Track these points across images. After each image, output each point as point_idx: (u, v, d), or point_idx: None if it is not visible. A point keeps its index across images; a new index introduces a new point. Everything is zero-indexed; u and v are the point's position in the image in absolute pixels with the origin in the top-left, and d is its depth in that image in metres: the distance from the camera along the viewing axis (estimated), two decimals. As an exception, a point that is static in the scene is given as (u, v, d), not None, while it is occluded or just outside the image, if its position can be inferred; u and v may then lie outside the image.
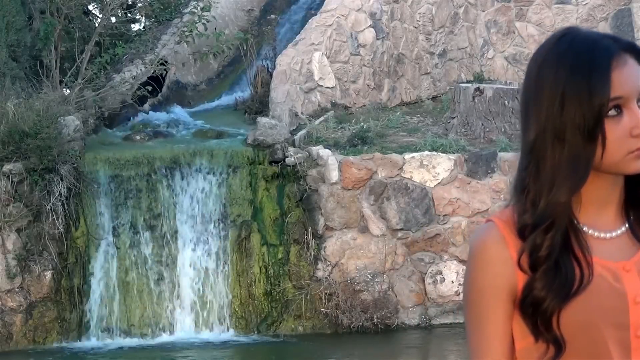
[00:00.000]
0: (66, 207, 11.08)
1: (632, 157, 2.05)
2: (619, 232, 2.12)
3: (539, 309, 2.05)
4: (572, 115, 2.04)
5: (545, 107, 2.06)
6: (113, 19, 14.17)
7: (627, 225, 2.13)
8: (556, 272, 2.06)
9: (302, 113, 12.67)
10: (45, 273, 11.02)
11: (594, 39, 2.10)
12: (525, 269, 2.08)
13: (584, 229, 2.11)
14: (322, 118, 12.53)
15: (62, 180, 11.02)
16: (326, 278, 11.22)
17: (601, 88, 2.04)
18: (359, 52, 13.63)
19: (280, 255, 11.39)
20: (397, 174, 11.43)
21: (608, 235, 2.12)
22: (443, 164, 11.49)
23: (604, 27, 14.69)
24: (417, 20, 14.45)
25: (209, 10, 13.17)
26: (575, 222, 2.10)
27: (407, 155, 11.49)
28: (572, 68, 2.06)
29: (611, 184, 2.11)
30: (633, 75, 2.07)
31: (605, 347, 2.06)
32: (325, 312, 11.16)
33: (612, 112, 2.04)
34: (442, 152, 11.56)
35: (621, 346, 2.06)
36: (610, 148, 2.04)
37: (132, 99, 12.74)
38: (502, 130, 12.01)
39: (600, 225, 2.12)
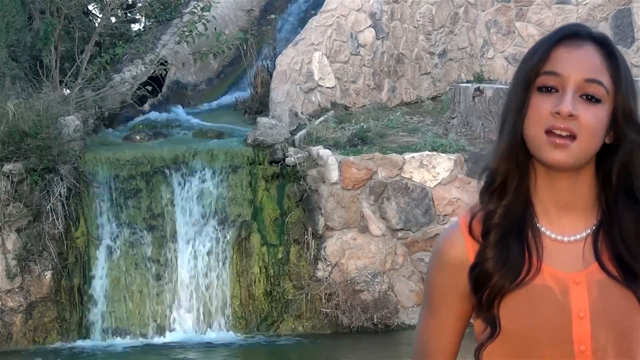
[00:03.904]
0: (66, 207, 11.09)
1: (551, 145, 2.03)
2: (578, 236, 2.11)
3: (487, 283, 2.07)
4: (513, 81, 2.11)
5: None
6: (113, 19, 14.17)
7: (589, 231, 2.11)
8: (505, 250, 2.07)
9: (302, 113, 12.67)
10: (45, 273, 11.02)
11: (565, 25, 2.14)
12: (475, 236, 2.11)
13: (542, 229, 2.11)
14: (322, 118, 12.53)
15: (62, 180, 11.02)
16: (326, 278, 11.22)
17: (537, 58, 2.09)
18: (359, 52, 13.63)
19: (280, 255, 11.39)
20: (397, 174, 11.43)
21: (566, 238, 2.11)
22: (443, 164, 11.49)
23: (604, 27, 14.68)
24: (417, 20, 14.45)
25: (209, 10, 13.17)
26: (535, 221, 2.11)
27: (407, 155, 11.50)
28: (534, 45, 2.14)
29: (569, 186, 2.09)
30: (579, 60, 2.07)
31: (541, 358, 2.06)
32: (325, 312, 11.16)
33: (544, 87, 2.06)
34: (442, 152, 11.56)
35: (564, 358, 2.06)
36: (531, 120, 2.06)
37: (132, 99, 12.74)
38: (502, 130, 11.99)
39: (561, 228, 2.11)
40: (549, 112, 2.04)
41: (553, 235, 2.11)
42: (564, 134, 2.03)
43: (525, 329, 2.06)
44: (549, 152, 2.04)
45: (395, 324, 11.17)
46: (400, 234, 11.40)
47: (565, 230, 2.11)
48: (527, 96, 2.07)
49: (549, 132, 2.04)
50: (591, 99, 2.05)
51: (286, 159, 11.49)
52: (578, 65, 2.06)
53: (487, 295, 2.08)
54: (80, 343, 11.03)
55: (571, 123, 2.03)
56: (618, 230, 2.08)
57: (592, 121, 2.04)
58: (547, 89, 2.06)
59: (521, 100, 2.08)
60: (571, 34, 2.09)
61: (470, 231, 2.12)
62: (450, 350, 2.20)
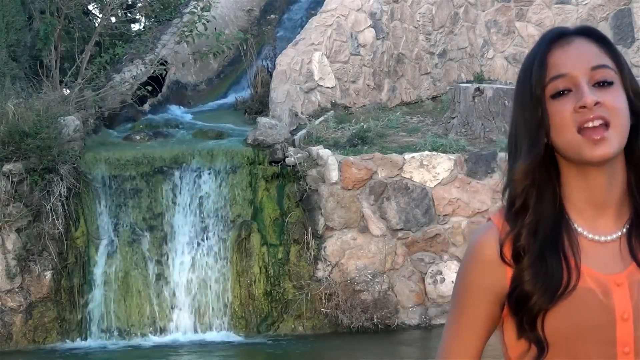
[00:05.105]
0: (66, 207, 11.08)
1: (589, 142, 2.02)
2: (614, 236, 2.09)
3: (526, 305, 2.06)
4: (519, 101, 2.09)
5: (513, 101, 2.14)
6: (113, 19, 14.17)
7: (624, 230, 2.10)
8: (542, 267, 2.05)
9: (302, 113, 12.67)
10: (45, 273, 11.02)
11: (547, 31, 2.13)
12: (507, 260, 2.09)
13: (579, 229, 2.09)
14: (322, 118, 12.53)
15: (62, 180, 11.02)
16: (326, 278, 11.22)
17: (537, 70, 2.07)
18: (359, 52, 13.63)
19: (280, 255, 11.39)
20: (397, 174, 11.43)
21: (603, 238, 2.09)
22: (443, 164, 11.49)
23: (604, 27, 14.68)
24: (417, 20, 14.45)
25: (209, 10, 13.17)
26: (571, 222, 2.09)
27: (407, 155, 11.49)
28: (524, 62, 2.12)
29: (605, 182, 2.08)
30: (577, 54, 2.07)
31: None
32: (325, 312, 11.16)
33: (556, 93, 2.05)
34: (442, 152, 11.56)
35: None
36: (558, 127, 2.04)
37: (132, 99, 12.74)
38: (502, 130, 11.99)
39: (597, 228, 2.10)
40: (571, 111, 2.03)
41: (590, 236, 2.09)
42: (597, 123, 2.01)
43: (570, 335, 2.04)
44: (591, 150, 2.02)
45: (395, 324, 11.17)
46: (400, 234, 11.40)
47: (601, 230, 2.10)
48: (543, 109, 2.06)
49: (581, 129, 2.02)
50: (604, 84, 2.04)
51: (286, 159, 11.48)
52: (578, 58, 2.06)
53: (528, 315, 2.06)
54: (80, 343, 11.03)
55: (600, 110, 2.02)
56: None
57: (617, 101, 2.04)
58: (560, 93, 2.05)
59: (536, 116, 2.06)
60: (558, 36, 2.10)
61: (502, 256, 2.09)
62: (474, 354, 2.17)
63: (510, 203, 2.10)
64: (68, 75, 12.78)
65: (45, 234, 11.00)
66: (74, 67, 12.86)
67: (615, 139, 2.02)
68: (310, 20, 13.41)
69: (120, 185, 11.42)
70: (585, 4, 14.82)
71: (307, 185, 11.38)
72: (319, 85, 13.11)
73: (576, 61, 2.06)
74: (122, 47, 13.12)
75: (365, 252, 11.32)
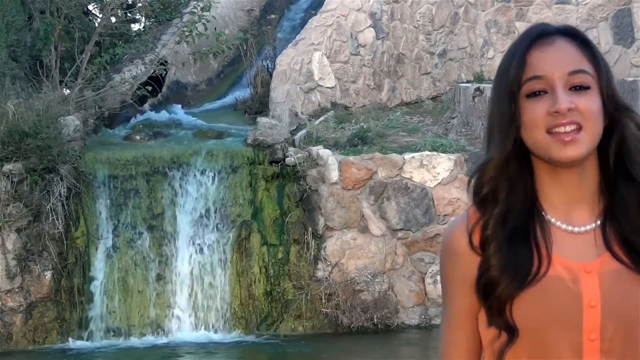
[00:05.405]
0: (66, 207, 11.08)
1: (558, 143, 2.05)
2: (588, 227, 2.12)
3: (494, 291, 2.08)
4: (495, 95, 2.12)
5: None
6: (113, 19, 14.17)
7: (599, 222, 2.12)
8: (510, 255, 2.08)
9: (302, 113, 12.67)
10: (45, 273, 11.01)
11: (530, 27, 2.14)
12: (475, 247, 2.12)
13: (552, 220, 2.12)
14: (322, 118, 12.53)
15: (62, 180, 11.02)
16: (326, 278, 11.22)
17: (515, 68, 2.09)
18: (359, 52, 13.63)
19: (280, 255, 11.39)
20: (397, 174, 11.43)
21: (577, 229, 2.12)
22: (443, 164, 11.49)
23: (604, 27, 14.69)
24: (417, 20, 14.45)
25: (209, 10, 13.17)
26: (544, 213, 2.12)
27: (407, 155, 11.49)
28: (505, 56, 2.14)
29: (576, 181, 2.11)
30: (557, 57, 2.08)
31: (555, 348, 2.07)
32: (325, 312, 11.16)
33: (531, 93, 2.07)
34: (442, 152, 11.56)
35: (573, 348, 2.07)
36: (529, 126, 2.06)
37: (132, 99, 12.74)
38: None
39: (571, 220, 2.12)
40: (544, 114, 2.05)
41: (564, 226, 2.12)
42: (569, 128, 2.04)
43: (539, 321, 2.06)
44: (560, 150, 2.05)
45: (395, 324, 11.17)
46: (400, 234, 11.40)
47: (574, 221, 2.12)
48: (516, 106, 2.08)
49: (550, 132, 2.05)
50: (581, 88, 2.06)
51: (286, 159, 11.48)
52: (557, 61, 2.07)
53: (497, 302, 2.08)
54: (80, 343, 11.03)
55: (572, 115, 2.04)
56: (623, 214, 2.09)
57: (590, 106, 2.06)
58: (536, 93, 2.07)
59: (509, 111, 2.09)
60: (539, 35, 2.11)
61: (471, 242, 2.13)
62: (467, 344, 2.18)
63: (475, 192, 2.14)
64: (68, 75, 12.78)
65: (45, 234, 11.00)
66: (74, 67, 12.86)
67: (586, 142, 2.05)
68: (310, 20, 13.41)
69: (120, 185, 11.42)
70: (585, 4, 14.82)
71: (307, 185, 11.38)
72: (319, 85, 13.11)
73: (554, 64, 2.07)
74: (122, 47, 13.12)
75: (365, 252, 11.32)
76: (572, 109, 2.04)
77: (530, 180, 2.12)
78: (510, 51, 2.13)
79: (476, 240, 2.12)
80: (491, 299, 2.08)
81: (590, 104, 2.06)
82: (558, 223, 2.12)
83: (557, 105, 2.03)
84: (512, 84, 2.08)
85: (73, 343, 11.02)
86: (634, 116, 2.10)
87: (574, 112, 2.04)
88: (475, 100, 12.21)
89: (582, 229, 2.12)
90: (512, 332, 2.07)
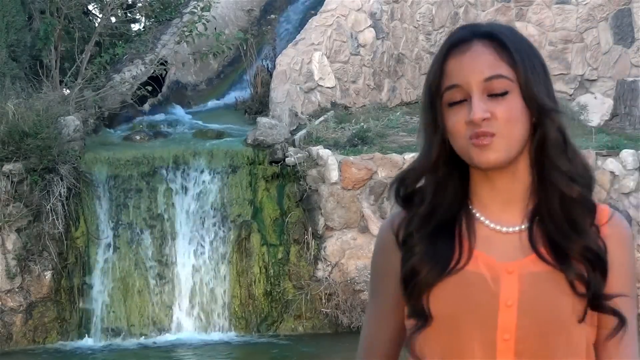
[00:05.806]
0: (66, 207, 11.08)
1: (476, 149, 2.06)
2: (517, 228, 2.12)
3: (414, 280, 2.10)
4: (422, 102, 2.15)
5: None
6: (113, 19, 14.17)
7: (527, 223, 2.12)
8: (432, 247, 2.10)
9: (302, 113, 12.67)
10: (45, 273, 11.02)
11: (450, 34, 2.14)
12: (400, 243, 2.15)
13: (481, 218, 2.13)
14: (322, 118, 12.53)
15: (62, 180, 11.02)
16: (326, 278, 11.22)
17: (432, 77, 2.11)
18: (359, 52, 13.63)
19: (280, 255, 11.39)
20: (397, 174, 11.42)
21: (505, 229, 2.12)
22: (443, 164, 11.48)
23: (604, 27, 14.70)
24: (417, 20, 14.45)
25: (209, 10, 13.17)
26: (474, 211, 2.13)
27: (407, 155, 11.50)
28: (431, 63, 2.16)
29: (508, 183, 2.12)
30: (472, 64, 2.08)
31: (468, 344, 2.07)
32: (325, 312, 11.16)
33: (453, 101, 2.08)
34: (442, 152, 11.55)
35: (486, 346, 2.07)
36: (453, 135, 2.08)
37: (132, 99, 12.74)
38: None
39: (501, 220, 2.13)
40: (463, 123, 2.06)
41: (492, 225, 2.13)
42: (485, 142, 2.05)
43: (454, 314, 2.07)
44: (479, 155, 2.06)
45: (395, 324, 11.16)
46: (400, 234, 11.39)
47: (504, 221, 2.13)
48: (440, 113, 2.10)
49: (470, 138, 2.07)
50: (498, 95, 2.06)
51: (286, 159, 11.49)
52: (472, 69, 2.07)
53: (416, 290, 2.09)
54: (80, 343, 11.03)
55: (487, 125, 2.05)
56: (548, 215, 2.10)
57: (507, 113, 2.05)
58: (457, 102, 2.08)
59: (432, 119, 2.12)
60: (457, 42, 2.10)
61: (397, 237, 2.16)
62: (394, 338, 2.21)
63: (396, 194, 2.17)
64: (68, 75, 12.78)
65: (45, 234, 11.00)
66: (74, 67, 12.86)
67: (503, 147, 2.05)
68: (310, 20, 13.41)
69: (120, 185, 11.42)
70: (585, 4, 14.82)
71: (307, 185, 11.38)
72: (319, 85, 13.11)
73: (470, 72, 2.07)
74: (122, 47, 13.12)
75: (365, 252, 11.32)
76: (486, 118, 2.04)
77: (460, 182, 2.14)
78: (433, 60, 2.15)
79: (402, 236, 2.15)
80: (411, 286, 2.10)
81: (507, 110, 2.06)
82: (487, 222, 2.13)
83: (471, 116, 2.05)
84: (433, 94, 2.11)
85: (73, 343, 11.03)
86: (556, 117, 2.09)
87: (490, 121, 2.05)
88: (475, 100, 12.20)
89: (511, 229, 2.12)
90: (424, 317, 2.08)
